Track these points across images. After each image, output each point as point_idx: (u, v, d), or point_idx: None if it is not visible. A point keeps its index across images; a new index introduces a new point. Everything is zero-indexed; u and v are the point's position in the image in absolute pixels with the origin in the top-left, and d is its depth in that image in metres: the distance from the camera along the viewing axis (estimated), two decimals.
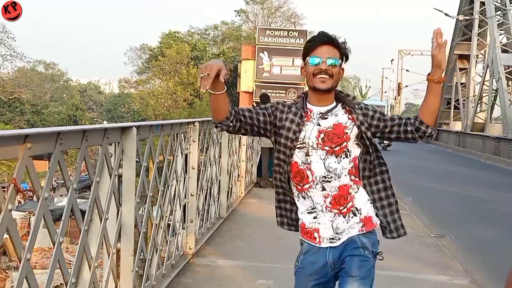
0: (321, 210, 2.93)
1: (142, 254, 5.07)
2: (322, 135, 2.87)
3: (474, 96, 38.42)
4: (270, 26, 51.73)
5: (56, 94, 67.44)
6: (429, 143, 44.88)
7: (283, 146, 2.93)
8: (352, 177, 2.94)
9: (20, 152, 2.89)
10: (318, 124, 2.89)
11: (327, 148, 2.88)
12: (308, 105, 2.95)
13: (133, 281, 4.64)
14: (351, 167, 2.93)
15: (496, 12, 32.96)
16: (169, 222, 5.82)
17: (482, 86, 37.19)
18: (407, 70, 73.84)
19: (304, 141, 2.89)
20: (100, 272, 4.09)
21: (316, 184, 2.90)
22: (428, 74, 2.91)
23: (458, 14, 38.95)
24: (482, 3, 35.35)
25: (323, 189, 2.90)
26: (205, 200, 7.65)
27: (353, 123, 2.90)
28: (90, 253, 3.81)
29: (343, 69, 2.95)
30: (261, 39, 40.59)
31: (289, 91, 37.23)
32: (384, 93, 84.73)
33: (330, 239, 2.93)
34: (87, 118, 64.00)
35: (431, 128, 2.92)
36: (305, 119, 2.91)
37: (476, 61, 38.82)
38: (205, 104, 49.88)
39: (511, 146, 27.79)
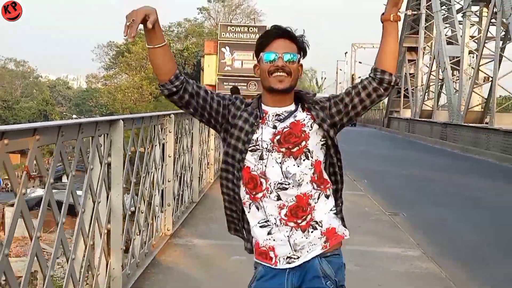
0: (275, 224, 2.34)
1: (128, 234, 5.26)
2: (277, 137, 2.30)
3: (422, 85, 38.77)
4: (231, 22, 51.69)
5: (26, 90, 66.41)
6: (382, 130, 45.52)
7: (232, 148, 2.34)
8: (315, 185, 2.36)
9: (30, 143, 3.00)
10: (274, 127, 2.33)
11: (283, 149, 2.30)
12: (263, 107, 2.38)
13: (121, 259, 4.81)
14: (313, 173, 2.35)
15: (441, 7, 33.34)
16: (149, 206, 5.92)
17: (429, 76, 37.59)
18: (360, 62, 74.60)
19: (257, 143, 2.31)
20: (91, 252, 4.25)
21: (270, 193, 2.31)
22: (382, 14, 2.38)
23: (406, 9, 39.21)
24: None
25: (278, 198, 2.31)
26: (180, 186, 7.83)
27: (312, 120, 2.34)
28: (86, 232, 4.02)
29: (301, 65, 2.40)
30: (223, 35, 40.60)
31: (250, 84, 37.29)
32: (339, 84, 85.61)
33: (287, 257, 2.34)
34: (56, 112, 63.12)
35: (394, 76, 2.36)
36: (260, 120, 2.34)
37: (424, 53, 39.06)
38: None
39: (456, 131, 27.99)
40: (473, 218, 10.02)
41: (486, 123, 25.70)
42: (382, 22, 2.37)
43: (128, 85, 52.95)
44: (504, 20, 23.13)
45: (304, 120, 2.34)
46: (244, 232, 2.52)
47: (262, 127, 2.32)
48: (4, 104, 56.54)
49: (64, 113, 67.69)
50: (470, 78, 27.97)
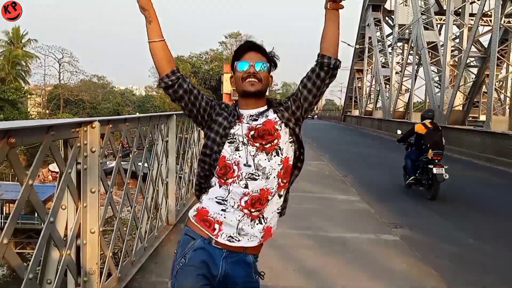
0: (232, 206, 1.75)
1: (179, 186, 5.31)
2: (252, 132, 1.78)
3: (365, 94, 38.51)
4: None
5: (105, 96, 66.12)
6: (340, 123, 45.41)
7: (211, 141, 1.81)
8: (280, 180, 1.79)
9: (122, 128, 3.22)
10: (248, 124, 1.80)
11: (257, 144, 1.77)
12: (239, 111, 1.84)
13: (175, 200, 4.97)
14: (281, 168, 1.79)
15: (378, 43, 33.24)
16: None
17: (370, 88, 37.40)
18: None
19: (234, 137, 1.79)
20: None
21: (240, 180, 1.75)
22: (327, 3, 1.79)
23: (355, 44, 39.11)
24: (369, 37, 35.18)
25: (246, 186, 1.75)
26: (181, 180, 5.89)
27: (280, 120, 1.81)
28: (154, 182, 4.24)
29: (271, 76, 1.89)
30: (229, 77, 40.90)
31: None
32: None
33: (229, 236, 1.75)
34: (125, 111, 62.93)
35: (334, 59, 1.78)
36: (237, 119, 1.82)
37: (367, 73, 38.83)
38: None
39: (387, 124, 27.71)
40: (391, 175, 10.18)
41: (407, 119, 25.75)
42: (327, 9, 1.80)
43: None
44: (418, 51, 23.16)
45: (275, 119, 1.81)
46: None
47: (239, 124, 1.80)
48: (91, 105, 56.70)
49: (130, 112, 67.50)
50: (396, 89, 27.93)
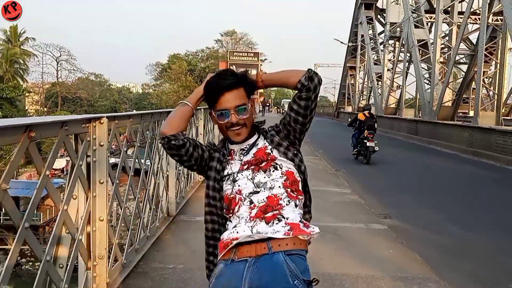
0: (245, 220, 1.59)
1: (178, 180, 5.38)
2: (245, 166, 1.66)
3: (358, 91, 38.61)
4: (236, 50, 51.64)
5: (102, 93, 65.98)
6: (334, 120, 45.50)
7: (211, 189, 1.69)
8: (288, 189, 1.63)
9: (128, 124, 3.39)
10: (240, 160, 1.68)
11: (252, 167, 1.65)
12: (230, 146, 1.73)
13: (175, 193, 5.12)
14: (285, 180, 1.64)
15: (370, 40, 33.40)
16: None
17: (363, 85, 37.41)
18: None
19: (229, 175, 1.67)
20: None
21: (244, 200, 1.62)
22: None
23: (348, 42, 39.12)
24: (362, 35, 35.23)
25: (251, 202, 1.61)
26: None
27: (271, 146, 1.68)
28: (155, 174, 4.39)
29: (253, 100, 1.73)
30: (231, 58, 41.15)
31: None
32: None
33: (247, 237, 1.55)
34: (123, 108, 62.91)
35: (303, 76, 1.63)
36: (229, 157, 1.71)
37: (359, 70, 38.92)
38: None
39: (380, 120, 27.09)
40: (385, 170, 10.43)
41: (398, 115, 25.97)
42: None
43: (169, 91, 52.79)
44: (409, 49, 23.38)
45: (265, 144, 1.69)
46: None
47: (231, 163, 1.68)
48: (88, 103, 56.67)
49: (127, 109, 67.54)
50: (388, 86, 28.14)
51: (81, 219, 2.65)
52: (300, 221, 1.62)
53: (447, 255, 4.47)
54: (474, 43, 19.81)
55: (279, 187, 1.62)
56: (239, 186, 1.64)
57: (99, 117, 2.73)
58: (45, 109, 47.84)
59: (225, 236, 1.63)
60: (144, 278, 3.32)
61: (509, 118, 15.54)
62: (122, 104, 68.63)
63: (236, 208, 1.63)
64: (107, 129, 2.77)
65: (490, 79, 21.86)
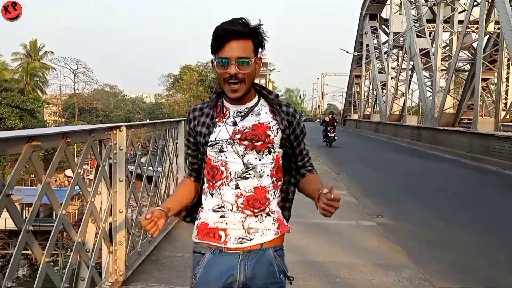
0: (231, 210, 1.48)
1: None
2: (238, 135, 1.48)
3: (364, 98, 38.84)
4: None
5: (117, 104, 67.26)
6: (340, 127, 45.58)
7: (193, 144, 1.60)
8: (274, 179, 1.52)
9: (142, 132, 3.87)
10: (234, 123, 1.49)
11: (246, 143, 1.47)
12: (225, 103, 1.53)
13: None
14: (273, 167, 1.52)
15: (375, 50, 33.71)
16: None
17: (368, 93, 37.56)
18: (327, 84, 76.43)
19: (216, 141, 1.48)
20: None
21: (230, 181, 1.48)
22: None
23: (354, 51, 39.52)
24: (367, 45, 35.60)
25: (237, 187, 1.47)
26: None
27: (277, 126, 1.51)
28: (166, 176, 4.86)
29: (260, 59, 1.49)
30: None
31: None
32: (314, 98, 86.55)
33: (239, 238, 1.49)
34: (136, 118, 63.96)
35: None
36: (217, 119, 1.51)
37: (365, 78, 39.08)
38: None
39: (384, 126, 28.24)
40: (386, 173, 10.69)
41: (402, 121, 26.19)
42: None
43: (181, 101, 53.61)
44: (411, 58, 23.70)
45: (270, 123, 1.50)
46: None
47: (219, 125, 1.50)
48: (103, 113, 57.85)
49: (141, 119, 68.50)
50: (392, 94, 28.38)
51: (104, 211, 3.13)
52: (282, 215, 1.57)
53: (428, 247, 4.84)
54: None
55: (268, 175, 1.50)
56: (226, 158, 1.48)
57: (119, 126, 3.21)
58: (63, 119, 48.98)
59: (210, 221, 1.50)
60: (157, 264, 3.79)
61: (510, 124, 15.74)
62: (136, 114, 69.64)
63: (219, 183, 1.49)
64: (125, 136, 3.25)
65: (495, 86, 22.03)
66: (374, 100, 34.92)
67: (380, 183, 9.43)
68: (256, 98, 1.54)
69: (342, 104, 56.97)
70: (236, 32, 1.41)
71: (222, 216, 1.49)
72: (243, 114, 1.50)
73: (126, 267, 3.36)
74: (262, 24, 1.45)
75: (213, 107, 1.54)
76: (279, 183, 1.57)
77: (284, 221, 1.57)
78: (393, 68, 29.84)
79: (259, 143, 1.48)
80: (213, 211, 1.50)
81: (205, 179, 1.55)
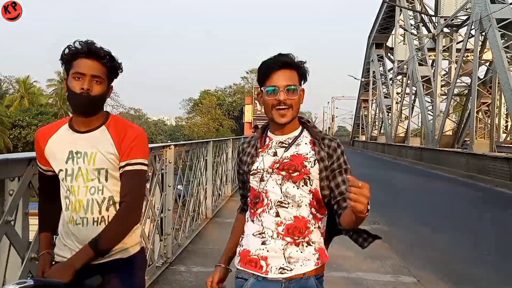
0: (271, 236, 1.45)
1: (218, 190, 6.63)
2: (277, 165, 1.46)
3: (371, 121, 39.09)
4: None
5: (140, 126, 68.95)
6: (349, 148, 45.74)
7: (241, 173, 1.59)
8: (313, 210, 1.47)
9: (183, 151, 4.74)
10: (275, 154, 1.49)
11: (283, 173, 1.45)
12: (269, 134, 1.55)
13: (213, 200, 6.45)
14: (312, 198, 1.47)
15: (381, 76, 34.24)
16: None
17: (375, 116, 37.98)
18: (337, 108, 77.64)
19: (257, 170, 1.49)
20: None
21: (270, 209, 1.46)
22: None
23: (361, 77, 40.26)
24: (373, 72, 36.19)
25: (277, 215, 1.45)
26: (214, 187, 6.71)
27: (315, 157, 1.47)
28: (199, 184, 5.69)
29: (303, 90, 1.49)
30: (255, 92, 42.53)
31: None
32: (324, 120, 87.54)
33: (280, 268, 1.43)
34: (158, 139, 65.39)
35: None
36: (260, 150, 1.52)
37: (372, 102, 39.46)
38: (225, 130, 51.52)
39: (390, 147, 28.65)
40: (387, 189, 11.08)
41: (406, 143, 26.59)
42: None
43: (201, 123, 54.91)
44: (414, 84, 24.44)
45: (307, 154, 1.48)
46: None
47: (262, 155, 1.51)
48: None
49: (162, 140, 69.81)
50: (396, 117, 28.93)
51: (157, 209, 4.02)
52: (323, 244, 1.52)
53: (412, 247, 5.55)
54: (480, 77, 20.71)
55: (306, 205, 1.47)
56: (266, 187, 1.47)
57: (169, 145, 4.13)
58: None
59: (251, 247, 1.48)
60: (193, 254, 4.65)
61: (505, 145, 16.28)
62: (157, 135, 71.11)
63: (260, 210, 1.48)
64: (173, 152, 4.16)
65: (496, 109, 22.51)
66: (380, 122, 35.50)
67: (380, 197, 10.07)
68: (300, 129, 1.53)
69: (351, 126, 57.51)
70: (284, 63, 1.46)
71: (263, 243, 1.46)
72: (286, 144, 1.50)
73: (172, 253, 4.22)
74: (305, 62, 1.49)
75: (258, 138, 1.56)
76: (320, 215, 1.51)
77: (325, 251, 1.53)
78: (397, 93, 30.46)
79: (295, 174, 1.45)
80: (254, 235, 1.48)
81: (248, 207, 1.56)
